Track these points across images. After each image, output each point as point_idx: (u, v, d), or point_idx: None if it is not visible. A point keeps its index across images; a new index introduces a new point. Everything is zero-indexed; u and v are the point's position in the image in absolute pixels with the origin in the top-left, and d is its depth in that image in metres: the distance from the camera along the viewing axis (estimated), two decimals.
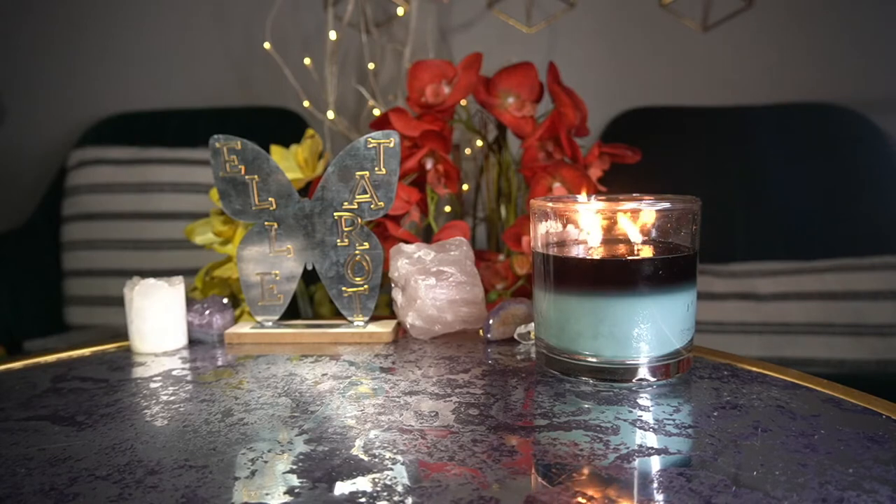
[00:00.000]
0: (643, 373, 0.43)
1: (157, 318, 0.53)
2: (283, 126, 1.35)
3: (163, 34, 1.49)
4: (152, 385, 0.46)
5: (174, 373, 0.48)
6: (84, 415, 0.40)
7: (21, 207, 1.43)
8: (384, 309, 0.73)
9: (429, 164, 0.69)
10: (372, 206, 0.55)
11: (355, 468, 0.32)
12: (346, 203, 0.55)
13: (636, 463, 0.32)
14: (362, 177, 0.55)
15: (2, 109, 1.52)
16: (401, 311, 0.56)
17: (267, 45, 1.23)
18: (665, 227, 0.44)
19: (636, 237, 0.44)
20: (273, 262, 0.57)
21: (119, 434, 0.37)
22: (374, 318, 0.58)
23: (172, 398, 0.43)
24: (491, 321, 0.54)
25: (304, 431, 0.37)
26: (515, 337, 0.54)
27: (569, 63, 0.90)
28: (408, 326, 0.56)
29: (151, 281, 0.54)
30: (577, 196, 0.50)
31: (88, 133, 1.41)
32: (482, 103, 0.73)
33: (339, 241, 0.56)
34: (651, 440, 0.35)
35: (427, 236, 0.73)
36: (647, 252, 0.44)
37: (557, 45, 1.41)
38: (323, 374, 0.47)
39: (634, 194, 0.47)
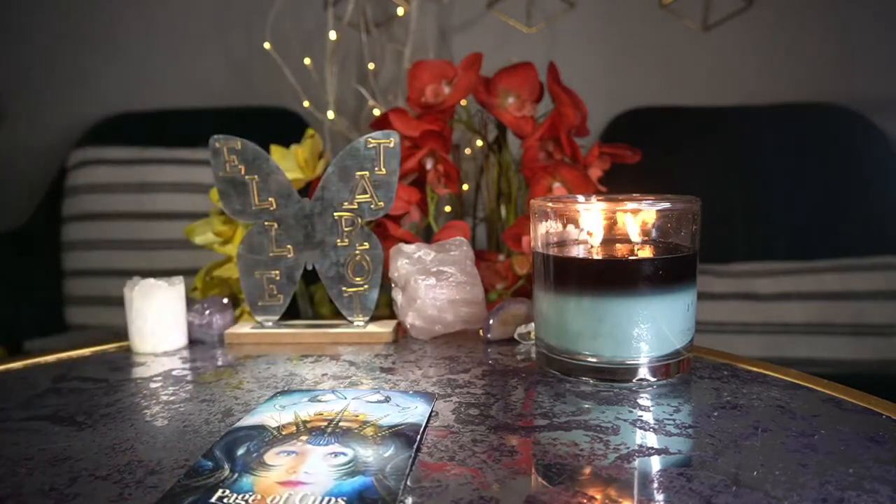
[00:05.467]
0: (643, 373, 0.43)
1: (157, 318, 0.53)
2: (283, 126, 1.35)
3: (163, 34, 1.49)
4: (152, 385, 0.46)
5: (174, 373, 0.48)
6: (84, 415, 0.40)
7: (21, 207, 1.43)
8: (384, 309, 0.73)
9: (429, 164, 0.69)
10: (372, 206, 0.55)
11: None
12: (346, 203, 0.55)
13: (636, 463, 0.32)
14: (362, 177, 0.55)
15: (2, 110, 1.52)
16: (401, 311, 0.56)
17: (267, 45, 1.22)
18: (665, 227, 0.44)
19: (636, 237, 0.44)
20: (273, 262, 0.57)
21: (119, 434, 0.37)
22: (374, 318, 0.58)
23: (172, 398, 0.43)
24: (491, 321, 0.54)
25: None
26: (515, 337, 0.54)
27: (569, 63, 0.90)
28: (408, 326, 0.56)
29: (151, 281, 0.54)
30: (578, 196, 0.50)
31: (88, 133, 1.41)
32: (482, 103, 0.72)
33: (339, 241, 0.56)
34: (651, 440, 0.35)
35: (427, 236, 0.73)
36: (647, 252, 0.44)
37: (557, 45, 1.40)
38: (323, 374, 0.47)
39: (634, 194, 0.47)
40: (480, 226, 0.86)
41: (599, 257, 0.44)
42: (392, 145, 0.54)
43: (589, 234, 0.44)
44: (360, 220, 0.56)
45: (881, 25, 1.35)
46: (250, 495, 0.29)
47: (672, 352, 0.43)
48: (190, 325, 0.56)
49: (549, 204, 0.45)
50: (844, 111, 1.29)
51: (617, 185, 0.69)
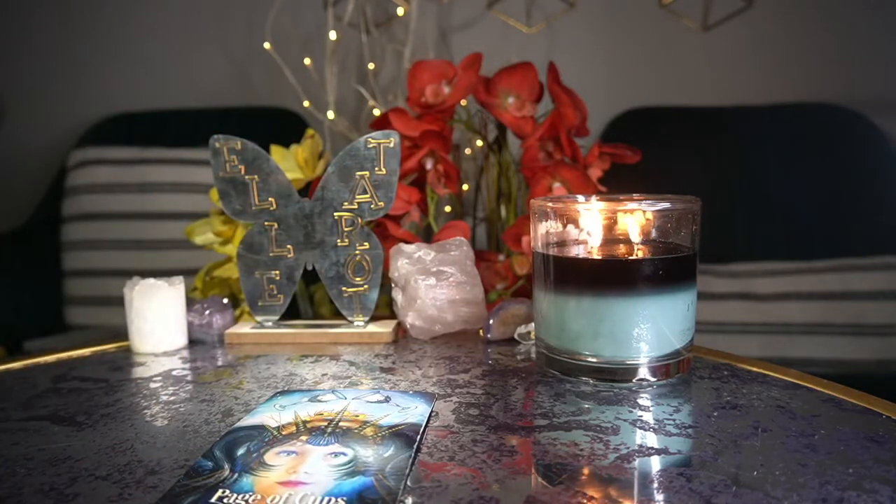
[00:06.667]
0: (643, 373, 0.43)
1: (157, 318, 0.53)
2: (283, 126, 1.35)
3: (163, 34, 1.49)
4: (152, 385, 0.46)
5: (174, 373, 0.48)
6: (84, 415, 0.40)
7: (21, 207, 1.43)
8: (384, 309, 0.73)
9: (429, 164, 0.69)
10: (372, 206, 0.55)
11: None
12: (346, 203, 0.55)
13: (636, 463, 0.32)
14: (362, 177, 0.55)
15: (2, 110, 1.52)
16: (401, 311, 0.56)
17: (267, 45, 1.22)
18: (665, 227, 0.44)
19: (636, 237, 0.44)
20: (273, 262, 0.57)
21: (119, 434, 0.37)
22: (374, 318, 0.58)
23: (172, 398, 0.43)
24: (491, 321, 0.54)
25: None
26: (515, 337, 0.54)
27: (569, 63, 0.90)
28: (408, 326, 0.56)
29: (151, 281, 0.54)
30: (578, 196, 0.50)
31: (88, 133, 1.41)
32: (482, 103, 0.72)
33: (339, 241, 0.56)
34: (651, 440, 0.35)
35: (427, 236, 0.73)
36: (647, 252, 0.44)
37: (557, 45, 1.40)
38: (323, 374, 0.47)
39: (634, 194, 0.47)
40: (480, 226, 0.86)
41: (599, 257, 0.44)
42: (392, 145, 0.54)
43: (588, 233, 0.44)
44: (360, 220, 0.56)
45: (881, 25, 1.34)
46: (250, 495, 0.29)
47: (672, 352, 0.43)
48: (190, 325, 0.56)
49: (549, 204, 0.45)
50: (844, 111, 1.29)
51: (617, 185, 0.69)
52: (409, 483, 0.30)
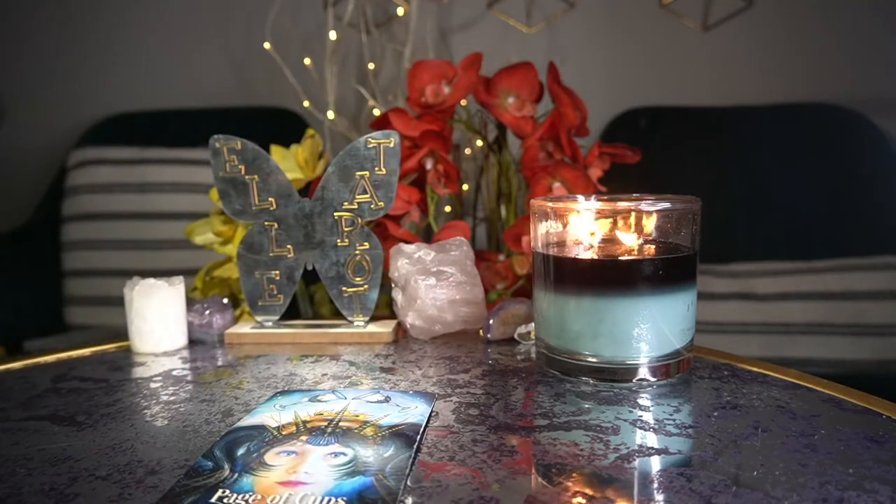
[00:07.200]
0: (643, 373, 0.43)
1: (157, 318, 0.53)
2: (283, 126, 1.35)
3: (163, 34, 1.49)
4: (152, 385, 0.46)
5: (174, 373, 0.48)
6: (84, 415, 0.40)
7: (21, 207, 1.43)
8: (384, 309, 0.73)
9: (429, 164, 0.69)
10: (372, 206, 0.55)
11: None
12: (346, 203, 0.55)
13: (636, 463, 0.32)
14: (362, 177, 0.55)
15: (2, 110, 1.52)
16: (401, 311, 0.56)
17: (267, 45, 1.22)
18: (665, 227, 0.44)
19: (636, 237, 0.44)
20: (273, 262, 0.57)
21: (119, 434, 0.37)
22: (374, 318, 0.58)
23: (172, 398, 0.43)
24: (491, 321, 0.54)
25: None
26: (515, 337, 0.54)
27: (569, 63, 0.90)
28: (408, 326, 0.56)
29: (151, 281, 0.54)
30: (578, 196, 0.50)
31: (88, 133, 1.41)
32: (482, 103, 0.72)
33: (339, 241, 0.56)
34: (651, 440, 0.35)
35: (427, 236, 0.73)
36: (647, 252, 0.44)
37: (557, 45, 1.40)
38: (323, 374, 0.47)
39: (634, 194, 0.47)
40: (480, 226, 0.86)
41: (599, 257, 0.44)
42: (392, 145, 0.54)
43: (591, 234, 0.44)
44: (360, 220, 0.56)
45: (881, 25, 1.35)
46: (250, 495, 0.29)
47: (672, 352, 0.43)
48: (190, 325, 0.56)
49: (549, 204, 0.45)
50: (844, 111, 1.29)
51: (617, 185, 0.69)
52: (409, 483, 0.30)
